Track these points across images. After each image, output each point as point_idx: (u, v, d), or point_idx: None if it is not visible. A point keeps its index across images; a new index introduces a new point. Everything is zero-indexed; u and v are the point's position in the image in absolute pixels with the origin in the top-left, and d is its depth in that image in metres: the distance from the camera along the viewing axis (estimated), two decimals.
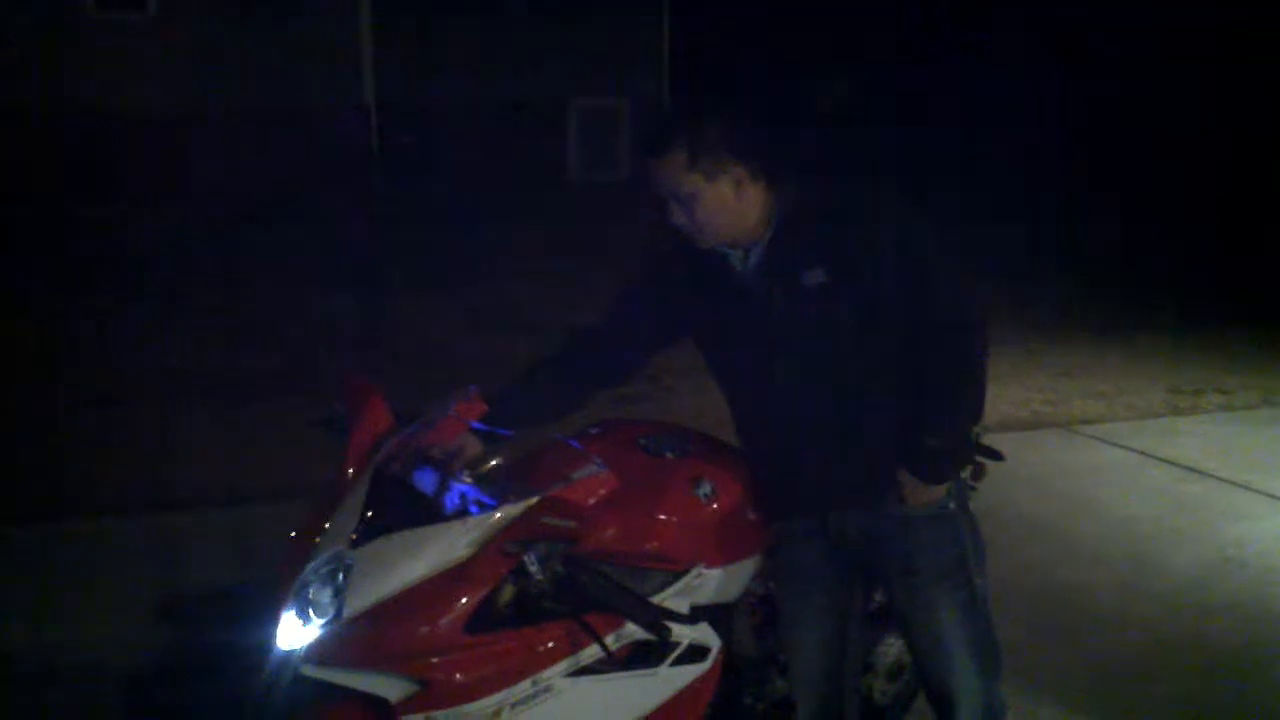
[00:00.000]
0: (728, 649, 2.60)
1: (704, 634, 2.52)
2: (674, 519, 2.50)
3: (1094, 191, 14.56)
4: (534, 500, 2.21)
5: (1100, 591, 4.22)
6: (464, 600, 2.17)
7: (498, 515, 2.23)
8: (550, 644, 2.26)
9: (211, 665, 3.27)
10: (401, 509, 2.33)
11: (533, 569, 2.18)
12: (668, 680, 2.44)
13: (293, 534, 2.36)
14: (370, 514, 2.30)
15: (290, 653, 2.19)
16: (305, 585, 2.23)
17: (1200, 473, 5.48)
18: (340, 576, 2.20)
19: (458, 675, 2.17)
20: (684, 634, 2.45)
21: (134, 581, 4.08)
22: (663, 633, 2.21)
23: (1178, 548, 4.63)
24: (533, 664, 2.24)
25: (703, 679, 2.51)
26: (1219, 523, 4.89)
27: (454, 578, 2.18)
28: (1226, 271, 10.65)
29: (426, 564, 2.19)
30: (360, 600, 2.17)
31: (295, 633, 2.20)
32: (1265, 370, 7.53)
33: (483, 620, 2.19)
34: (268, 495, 4.83)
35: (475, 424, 2.45)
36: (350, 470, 2.42)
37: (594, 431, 2.73)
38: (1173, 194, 14.04)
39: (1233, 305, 9.31)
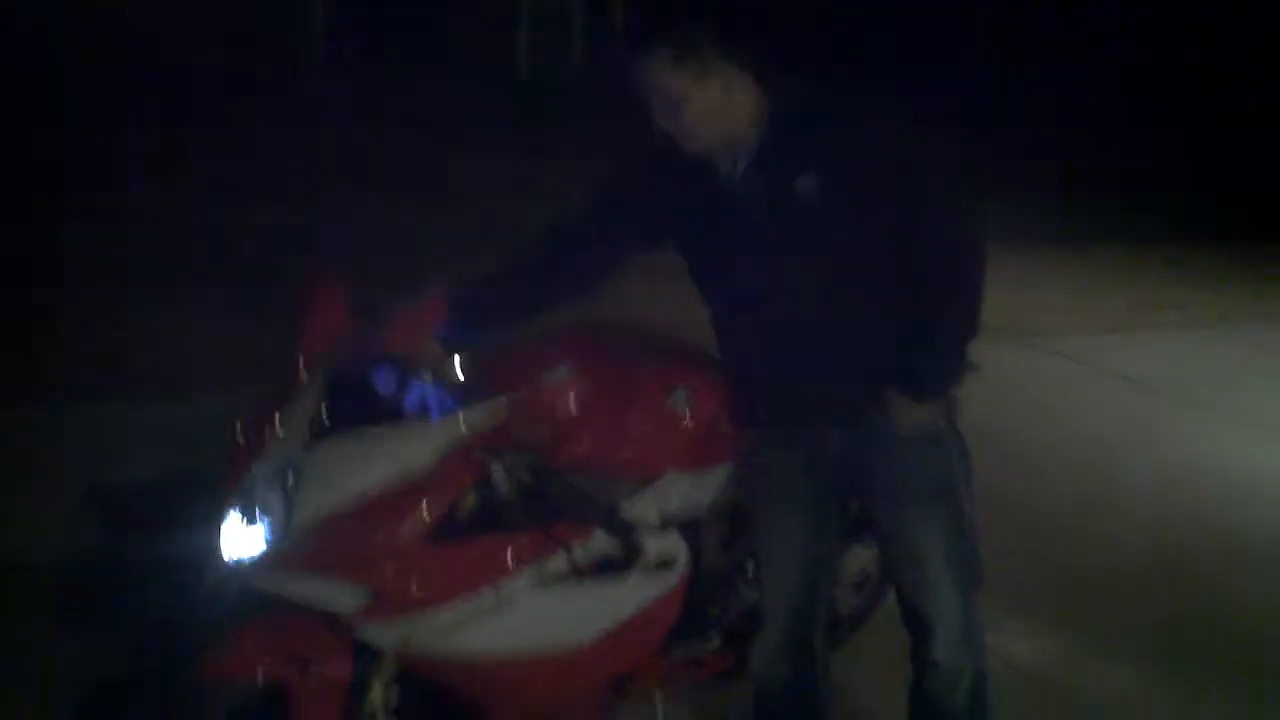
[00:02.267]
0: (695, 561, 2.51)
1: (672, 545, 2.43)
2: (647, 427, 2.40)
3: (1070, 105, 14.42)
4: (499, 403, 2.08)
5: (1060, 504, 4.21)
6: (424, 509, 2.05)
7: (461, 419, 2.10)
8: (514, 554, 2.15)
9: (151, 568, 3.14)
10: (357, 410, 2.20)
11: (499, 479, 2.06)
12: (634, 592, 2.35)
13: (238, 433, 2.21)
14: (324, 415, 2.16)
15: (236, 561, 2.06)
16: (251, 489, 2.09)
17: (1157, 388, 5.48)
18: (290, 479, 2.07)
19: (415, 584, 2.06)
20: (652, 545, 2.36)
21: (74, 475, 3.88)
22: (631, 544, 2.11)
23: (1136, 461, 4.63)
24: (494, 573, 2.14)
25: (670, 591, 2.42)
26: (1176, 437, 4.90)
27: (414, 485, 2.06)
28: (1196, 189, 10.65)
29: (384, 469, 2.06)
30: (311, 506, 2.04)
31: (241, 540, 2.07)
32: (1222, 289, 7.55)
33: (443, 529, 2.08)
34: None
35: (438, 332, 2.31)
36: (302, 368, 2.27)
37: (563, 334, 2.59)
38: (1145, 112, 13.95)
39: (1197, 225, 9.31)
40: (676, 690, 2.71)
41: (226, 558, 2.06)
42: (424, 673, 2.20)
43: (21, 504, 3.65)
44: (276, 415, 2.16)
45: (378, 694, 2.19)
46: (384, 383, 2.30)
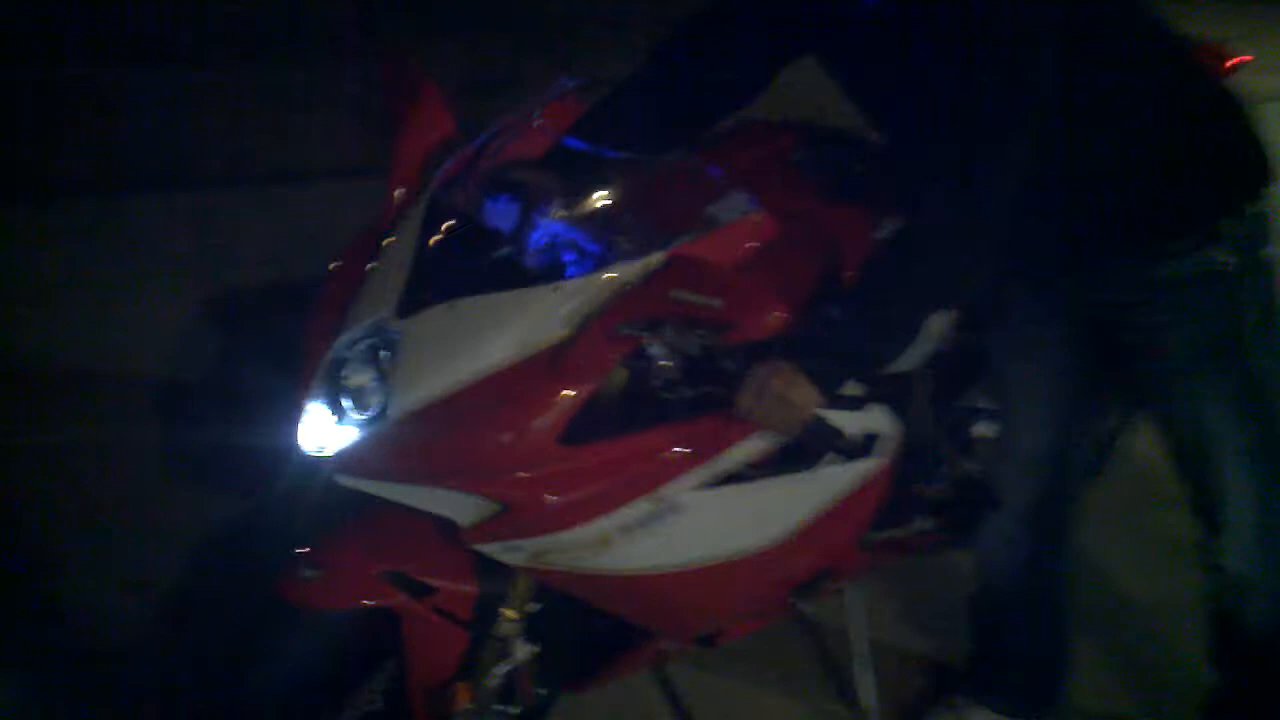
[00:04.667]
0: (905, 429, 1.95)
1: (877, 421, 1.87)
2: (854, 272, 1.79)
3: None
4: (658, 258, 1.52)
5: None
6: (559, 399, 1.53)
7: (607, 277, 1.54)
8: (675, 451, 1.63)
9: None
10: (466, 259, 1.66)
11: (656, 354, 1.52)
12: (829, 483, 1.82)
13: (322, 293, 1.70)
14: (424, 265, 1.63)
15: (319, 458, 1.59)
16: (337, 366, 1.60)
17: None
18: (383, 356, 1.57)
19: (551, 496, 1.56)
20: (852, 424, 1.80)
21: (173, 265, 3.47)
22: (825, 430, 1.57)
23: None
24: (650, 477, 1.62)
25: (874, 477, 1.89)
26: None
27: (544, 366, 1.53)
28: None
29: (504, 346, 1.54)
30: (411, 393, 1.54)
31: (325, 430, 1.59)
32: None
33: (584, 422, 1.56)
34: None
35: (571, 140, 1.73)
36: (397, 194, 1.73)
37: (728, 144, 1.96)
38: None
39: None
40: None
41: (308, 451, 1.59)
42: (567, 590, 1.74)
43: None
44: (368, 268, 1.64)
45: (510, 616, 1.74)
46: (500, 216, 1.75)
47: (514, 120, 1.79)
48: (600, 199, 1.73)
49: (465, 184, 1.73)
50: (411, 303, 1.58)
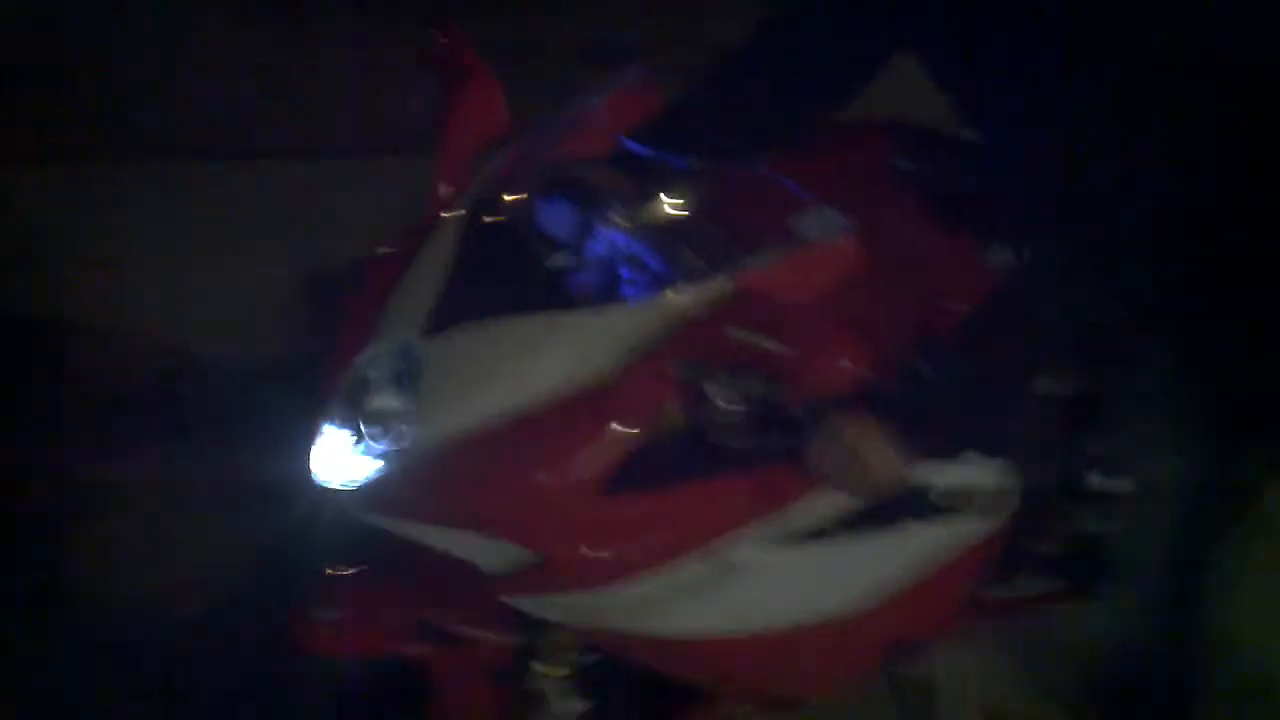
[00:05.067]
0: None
1: (983, 472, 1.60)
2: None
3: None
4: (722, 284, 1.29)
5: None
6: (603, 442, 1.31)
7: (663, 304, 1.32)
8: (734, 503, 1.40)
9: None
10: (511, 269, 1.46)
11: (715, 394, 1.30)
12: (923, 542, 1.57)
13: (353, 296, 1.52)
14: (464, 274, 1.43)
15: (338, 490, 1.41)
16: (359, 387, 1.41)
17: None
18: (405, 381, 1.37)
19: (592, 549, 1.35)
20: (954, 476, 1.55)
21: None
22: (930, 505, 1.32)
23: None
24: (707, 533, 1.40)
25: (981, 539, 1.63)
26: None
27: (587, 404, 1.32)
28: None
29: (543, 377, 1.33)
30: (436, 424, 1.34)
31: (342, 458, 1.40)
32: None
33: (631, 471, 1.34)
34: None
35: (633, 144, 1.51)
36: (441, 190, 1.53)
37: (814, 150, 1.70)
38: None
39: None
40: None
41: (322, 482, 1.41)
42: (616, 651, 1.54)
43: None
44: (403, 276, 1.45)
45: (550, 673, 1.55)
46: (555, 221, 1.54)
47: (574, 114, 1.57)
48: (671, 206, 1.50)
49: (516, 182, 1.53)
50: (442, 319, 1.38)
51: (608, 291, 1.43)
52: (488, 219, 1.47)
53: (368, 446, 1.38)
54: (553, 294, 1.40)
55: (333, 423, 1.41)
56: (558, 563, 1.35)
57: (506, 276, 1.41)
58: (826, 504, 1.43)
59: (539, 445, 1.32)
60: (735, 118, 1.61)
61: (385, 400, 1.38)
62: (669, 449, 1.34)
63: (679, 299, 1.33)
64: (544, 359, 1.33)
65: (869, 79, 1.58)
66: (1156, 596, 1.80)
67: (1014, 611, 1.91)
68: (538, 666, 1.54)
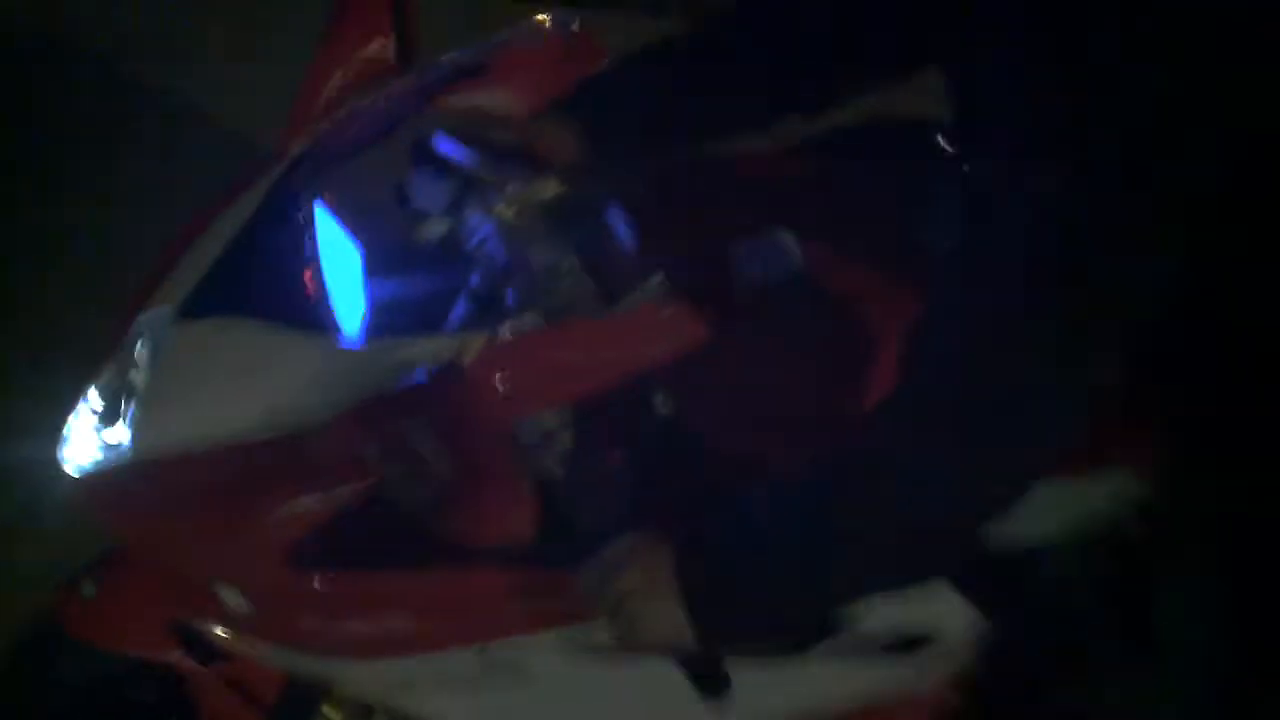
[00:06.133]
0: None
1: (942, 610, 1.19)
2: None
3: None
4: (480, 341, 0.97)
5: None
6: (289, 506, 1.02)
7: (410, 347, 1.01)
8: (507, 603, 1.08)
9: None
10: (338, 251, 1.18)
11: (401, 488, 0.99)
12: (814, 682, 1.19)
13: (163, 252, 1.26)
14: (272, 245, 1.16)
15: (74, 468, 1.19)
16: (128, 356, 1.18)
17: None
18: (146, 362, 1.13)
19: (312, 617, 1.08)
20: (898, 612, 1.15)
21: None
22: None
23: None
24: (472, 626, 1.09)
25: (918, 696, 1.23)
26: None
27: (286, 454, 1.03)
28: None
29: (250, 409, 1.04)
30: (153, 432, 1.09)
31: (86, 433, 1.18)
32: None
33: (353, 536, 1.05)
34: None
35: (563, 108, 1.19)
36: (289, 143, 1.24)
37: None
38: None
39: None
40: None
41: (64, 459, 1.19)
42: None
43: None
44: (196, 239, 1.19)
45: (331, 715, 1.30)
46: (424, 192, 1.24)
47: (495, 47, 1.25)
48: (551, 193, 1.17)
49: (390, 137, 1.24)
50: (203, 303, 1.11)
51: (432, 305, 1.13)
52: (312, 186, 1.17)
53: (99, 431, 1.15)
54: (317, 303, 1.08)
55: (98, 391, 1.19)
56: (273, 623, 1.09)
57: (292, 264, 1.11)
58: None
59: (230, 493, 1.06)
60: (699, 95, 1.24)
61: (140, 378, 1.14)
62: (385, 525, 1.04)
63: (445, 346, 1.00)
64: (254, 387, 1.04)
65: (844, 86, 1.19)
66: None
67: None
68: (325, 708, 1.30)
